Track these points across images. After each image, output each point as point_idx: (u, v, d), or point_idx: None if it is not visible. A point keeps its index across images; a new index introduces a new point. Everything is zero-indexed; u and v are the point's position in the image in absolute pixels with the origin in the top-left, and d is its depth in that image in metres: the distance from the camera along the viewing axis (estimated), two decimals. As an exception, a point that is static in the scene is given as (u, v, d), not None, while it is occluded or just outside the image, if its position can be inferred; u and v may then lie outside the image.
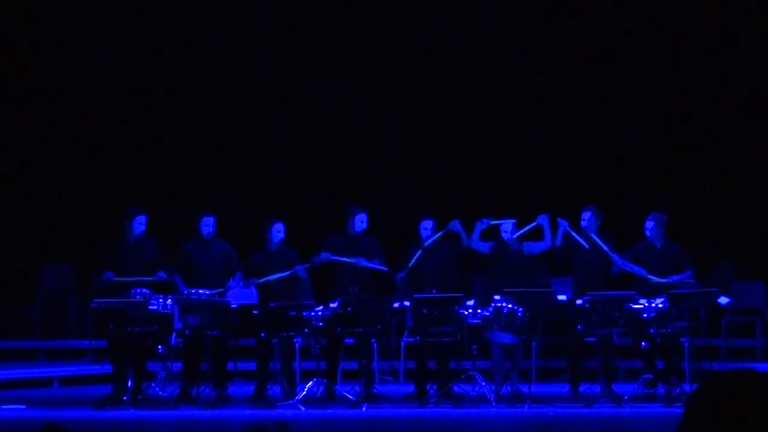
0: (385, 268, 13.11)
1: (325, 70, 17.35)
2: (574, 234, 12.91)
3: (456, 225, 13.07)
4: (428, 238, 13.06)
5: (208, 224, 12.97)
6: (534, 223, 13.01)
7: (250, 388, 12.74)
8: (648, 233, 12.96)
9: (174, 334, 13.03)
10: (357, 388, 12.33)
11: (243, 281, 13.01)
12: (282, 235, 13.07)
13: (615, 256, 12.82)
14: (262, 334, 12.36)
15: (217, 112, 17.32)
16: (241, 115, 17.31)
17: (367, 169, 17.10)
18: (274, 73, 17.30)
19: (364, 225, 13.19)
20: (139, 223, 12.79)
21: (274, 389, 12.62)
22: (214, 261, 12.96)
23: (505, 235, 13.11)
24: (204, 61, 17.31)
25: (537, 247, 13.07)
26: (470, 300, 12.63)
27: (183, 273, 12.93)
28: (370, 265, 13.05)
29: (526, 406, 11.67)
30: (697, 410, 2.75)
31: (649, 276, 12.70)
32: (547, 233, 12.98)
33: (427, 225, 13.12)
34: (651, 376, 12.44)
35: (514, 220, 13.06)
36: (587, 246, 12.83)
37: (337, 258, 13.04)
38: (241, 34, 17.34)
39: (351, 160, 17.15)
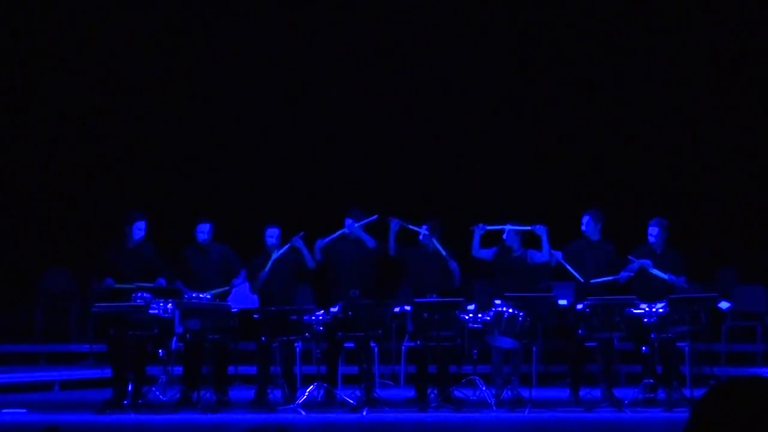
0: (373, 242, 13.07)
1: (323, 73, 17.37)
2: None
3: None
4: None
5: (203, 231, 12.97)
6: (529, 227, 12.93)
7: (250, 392, 12.74)
8: (652, 239, 12.95)
9: (175, 338, 13.03)
10: (357, 393, 12.33)
11: (251, 284, 13.00)
12: (273, 240, 13.03)
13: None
14: (263, 338, 12.36)
15: (217, 117, 17.32)
16: (241, 120, 17.31)
17: (367, 172, 17.10)
18: (273, 76, 17.30)
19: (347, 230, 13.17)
20: (139, 229, 12.78)
21: (275, 393, 12.62)
22: (212, 266, 12.95)
23: (508, 240, 13.08)
24: (204, 68, 17.32)
25: (538, 257, 13.04)
26: (471, 304, 12.63)
27: (184, 278, 12.94)
28: (361, 232, 13.01)
29: (527, 410, 11.67)
30: (703, 416, 2.75)
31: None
32: (545, 246, 12.94)
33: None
34: (651, 380, 12.43)
35: (513, 228, 12.97)
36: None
37: (333, 236, 13.02)
38: (242, 40, 17.35)
39: (349, 166, 17.15)
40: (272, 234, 13.04)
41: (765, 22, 16.67)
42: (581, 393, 12.76)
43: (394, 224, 12.95)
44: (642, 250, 13.01)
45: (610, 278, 12.73)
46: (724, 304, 13.78)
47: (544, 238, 12.89)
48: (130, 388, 12.03)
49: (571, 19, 17.14)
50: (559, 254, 12.93)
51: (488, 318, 12.31)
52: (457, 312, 12.30)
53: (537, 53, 17.17)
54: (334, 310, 12.39)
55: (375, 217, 13.03)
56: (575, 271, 12.73)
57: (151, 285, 12.57)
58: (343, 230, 13.03)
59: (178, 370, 13.07)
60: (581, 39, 17.03)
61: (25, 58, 17.16)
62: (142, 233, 12.78)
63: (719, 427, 2.71)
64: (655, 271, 12.66)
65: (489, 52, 17.20)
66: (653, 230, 12.97)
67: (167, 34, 17.25)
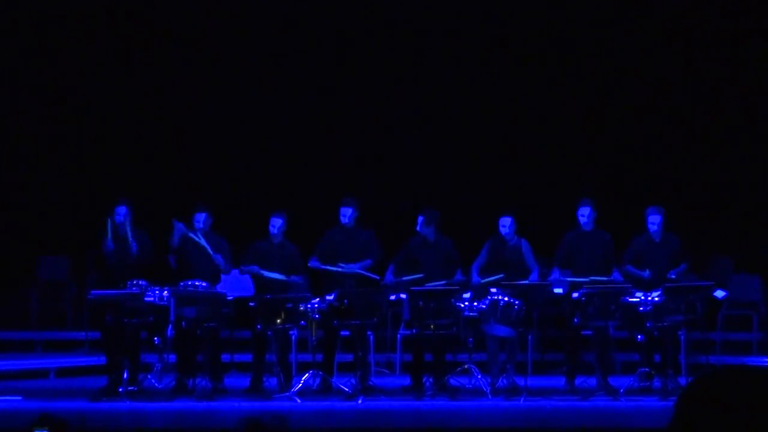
0: (376, 276, 13.11)
1: (320, 62, 17.35)
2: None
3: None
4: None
5: (199, 220, 12.96)
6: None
7: (246, 380, 12.74)
8: (655, 227, 12.90)
9: (170, 326, 13.02)
10: (353, 381, 12.33)
11: (240, 269, 13.02)
12: (275, 230, 13.05)
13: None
14: (258, 326, 12.35)
15: (214, 105, 17.29)
16: (239, 109, 17.29)
17: (365, 162, 17.08)
18: (271, 66, 17.28)
19: (346, 219, 13.16)
20: (118, 214, 12.78)
21: (270, 381, 12.62)
22: (206, 254, 12.92)
23: (503, 230, 13.12)
24: (200, 55, 17.28)
25: (529, 255, 13.13)
26: (467, 293, 12.63)
27: (177, 262, 12.96)
28: (358, 270, 13.03)
29: (522, 399, 11.67)
30: (688, 405, 2.75)
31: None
32: (530, 261, 13.10)
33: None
34: (647, 369, 12.44)
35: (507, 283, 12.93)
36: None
37: (325, 267, 13.04)
38: (239, 27, 17.31)
39: (350, 153, 17.14)
40: (275, 224, 13.08)
41: (762, 11, 16.65)
42: (577, 381, 12.77)
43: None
44: (640, 239, 13.00)
45: (604, 278, 12.77)
46: (719, 293, 13.76)
47: (529, 256, 13.03)
48: (125, 375, 12.02)
49: (564, 10, 17.12)
50: (556, 273, 12.95)
51: (484, 306, 12.30)
52: (453, 300, 12.31)
53: (527, 42, 17.14)
54: (329, 298, 12.38)
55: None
56: (575, 277, 12.79)
57: (143, 283, 12.49)
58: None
59: (174, 357, 13.06)
60: (574, 28, 17.01)
61: (20, 46, 17.11)
62: (121, 218, 12.78)
63: (704, 417, 2.71)
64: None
65: (481, 40, 17.18)
66: (655, 218, 12.92)
67: (166, 21, 17.20)
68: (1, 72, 17.09)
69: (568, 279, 12.84)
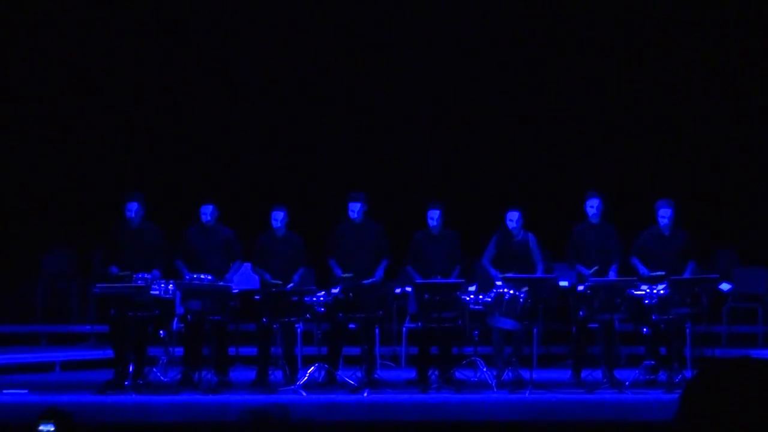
0: (387, 260, 13.12)
1: (324, 55, 17.34)
2: None
3: None
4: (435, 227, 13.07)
5: (206, 212, 12.95)
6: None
7: (251, 374, 12.75)
8: (666, 221, 12.87)
9: (176, 319, 13.03)
10: (358, 374, 12.34)
11: (254, 268, 13.04)
12: (279, 223, 13.04)
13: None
14: (264, 320, 12.36)
15: (219, 98, 17.29)
16: (244, 101, 17.29)
17: (371, 155, 17.08)
18: (275, 58, 17.27)
19: (355, 214, 13.11)
20: (129, 210, 12.75)
21: (276, 374, 12.63)
22: (214, 247, 12.94)
23: (510, 224, 13.09)
24: (203, 46, 17.28)
25: (536, 251, 13.12)
26: (472, 286, 12.63)
27: (185, 259, 12.94)
28: (379, 274, 13.01)
29: (528, 392, 11.68)
30: (693, 398, 2.75)
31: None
32: (537, 256, 13.09)
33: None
34: (652, 362, 12.44)
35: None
36: None
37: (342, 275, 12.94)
38: (245, 21, 17.31)
39: (356, 146, 17.13)
40: (276, 217, 13.05)
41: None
42: (582, 374, 12.76)
43: None
44: (648, 232, 12.98)
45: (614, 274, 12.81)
46: (725, 286, 13.77)
47: (536, 251, 13.03)
48: (131, 368, 12.03)
49: (572, 6, 17.11)
50: (584, 270, 12.91)
51: (489, 299, 12.30)
52: (458, 293, 12.30)
53: (534, 35, 17.13)
54: (335, 291, 12.38)
55: None
56: (585, 269, 12.77)
57: (148, 276, 12.51)
58: None
59: (179, 351, 13.08)
60: (582, 22, 16.99)
61: (24, 37, 17.13)
62: (132, 214, 12.76)
63: (709, 409, 2.71)
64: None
65: (489, 34, 17.16)
66: (666, 212, 12.87)
67: (167, 14, 17.20)
68: (6, 66, 17.10)
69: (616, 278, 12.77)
